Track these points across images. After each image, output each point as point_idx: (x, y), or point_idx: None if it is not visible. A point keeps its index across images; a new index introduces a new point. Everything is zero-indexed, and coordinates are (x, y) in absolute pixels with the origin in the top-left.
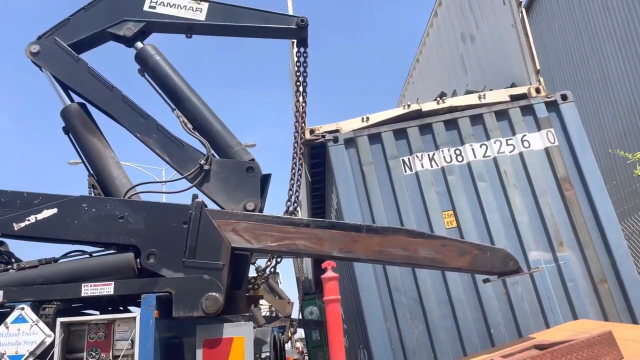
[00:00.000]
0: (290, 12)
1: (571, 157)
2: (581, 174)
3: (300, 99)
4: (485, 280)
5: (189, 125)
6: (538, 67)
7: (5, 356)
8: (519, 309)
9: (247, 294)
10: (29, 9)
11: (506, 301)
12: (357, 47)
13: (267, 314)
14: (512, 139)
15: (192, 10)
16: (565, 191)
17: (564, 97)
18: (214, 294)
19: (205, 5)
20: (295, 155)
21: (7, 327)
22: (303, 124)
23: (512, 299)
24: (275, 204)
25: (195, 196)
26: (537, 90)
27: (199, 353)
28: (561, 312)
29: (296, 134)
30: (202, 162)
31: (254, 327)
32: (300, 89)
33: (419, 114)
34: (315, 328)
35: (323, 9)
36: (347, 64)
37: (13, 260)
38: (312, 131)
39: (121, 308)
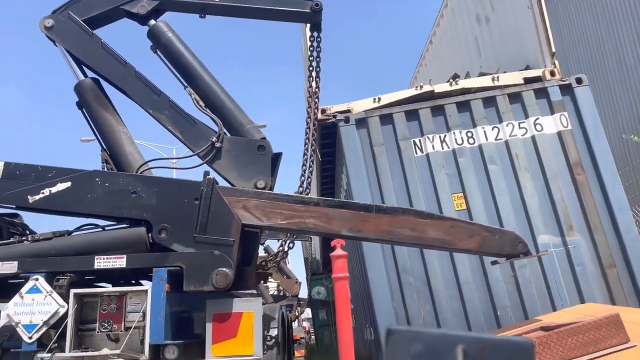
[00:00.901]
0: None
1: (584, 142)
2: (593, 158)
3: (313, 84)
4: (494, 262)
5: (201, 103)
6: (553, 50)
7: (19, 325)
8: (526, 292)
9: (256, 271)
10: None
11: (514, 284)
12: (370, 28)
13: (275, 293)
14: (524, 122)
15: None
16: (577, 175)
17: (579, 81)
18: (224, 269)
19: None
20: (307, 140)
21: (22, 297)
22: (316, 110)
23: (519, 281)
24: (285, 184)
25: (206, 173)
26: (552, 73)
27: (209, 327)
28: (568, 296)
29: (308, 120)
30: (214, 139)
31: (263, 304)
32: (314, 74)
33: (431, 96)
34: (322, 308)
35: None
36: (360, 44)
37: (27, 232)
38: (323, 111)
39: (133, 282)
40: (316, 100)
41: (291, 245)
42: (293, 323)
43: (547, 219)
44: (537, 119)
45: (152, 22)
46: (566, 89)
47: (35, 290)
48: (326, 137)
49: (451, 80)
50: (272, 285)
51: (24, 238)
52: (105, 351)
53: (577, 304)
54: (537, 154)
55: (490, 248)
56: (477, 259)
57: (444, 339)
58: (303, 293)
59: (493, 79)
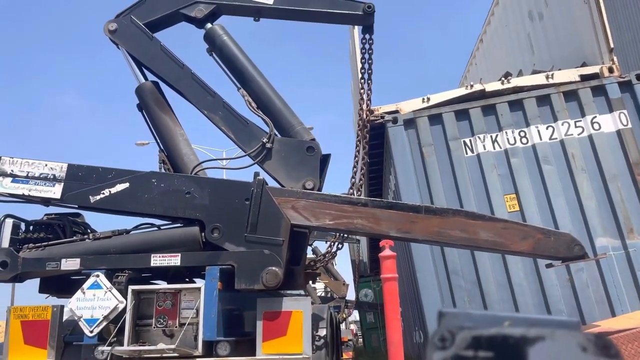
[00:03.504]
0: None
1: None
2: None
3: (365, 86)
4: (548, 265)
5: (253, 105)
6: (612, 45)
7: (82, 319)
8: (583, 297)
9: (305, 271)
10: None
11: (570, 288)
12: (419, 27)
13: (323, 294)
14: (581, 120)
15: None
16: (638, 176)
17: (639, 77)
18: (274, 268)
19: None
20: (358, 143)
21: (84, 293)
22: (368, 112)
23: (576, 285)
24: (333, 186)
25: (257, 174)
26: (610, 70)
27: (259, 325)
28: (629, 301)
29: (360, 122)
30: (265, 140)
31: (312, 304)
32: (365, 76)
33: (482, 95)
34: (370, 310)
35: None
36: (408, 44)
37: (89, 230)
38: (371, 111)
39: (187, 280)
40: (368, 102)
41: (340, 246)
42: (341, 325)
43: (606, 222)
44: (595, 117)
45: (209, 25)
46: (625, 86)
47: (96, 286)
48: (374, 138)
49: (503, 78)
50: (319, 287)
51: (85, 236)
52: (161, 346)
53: (638, 310)
54: (594, 154)
55: (545, 250)
56: (531, 261)
57: (494, 320)
58: (350, 295)
59: (547, 77)
